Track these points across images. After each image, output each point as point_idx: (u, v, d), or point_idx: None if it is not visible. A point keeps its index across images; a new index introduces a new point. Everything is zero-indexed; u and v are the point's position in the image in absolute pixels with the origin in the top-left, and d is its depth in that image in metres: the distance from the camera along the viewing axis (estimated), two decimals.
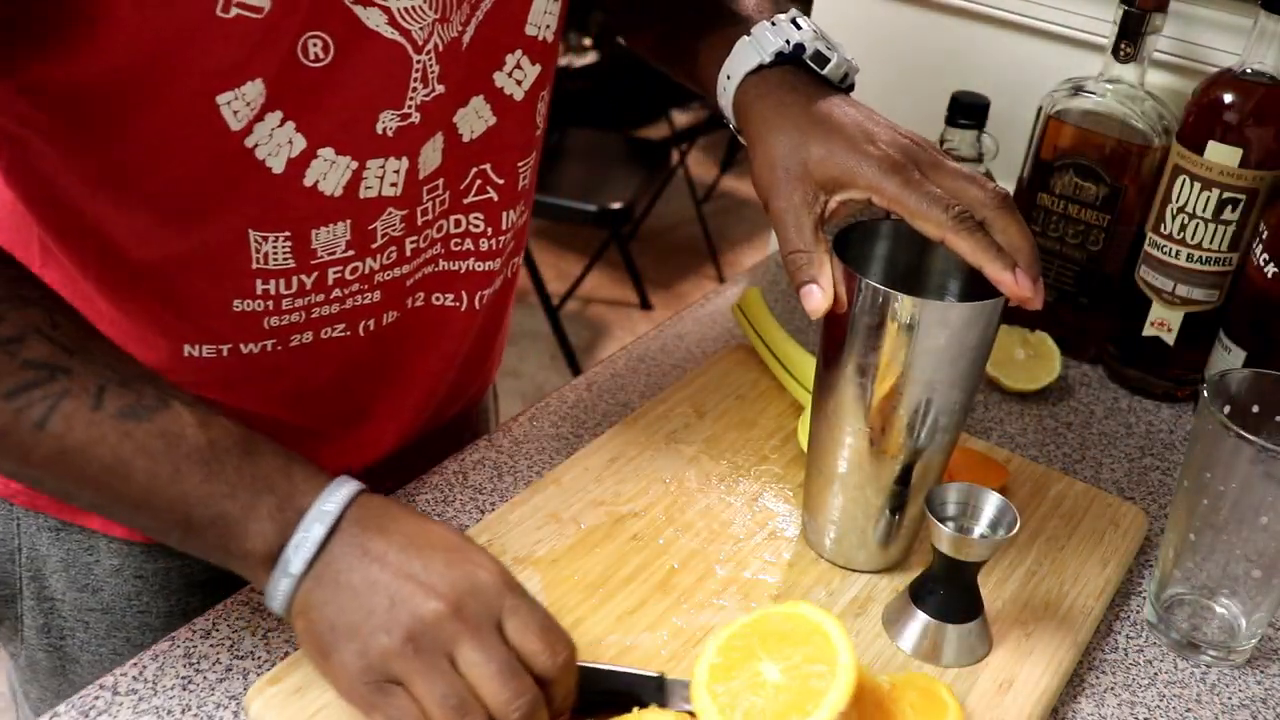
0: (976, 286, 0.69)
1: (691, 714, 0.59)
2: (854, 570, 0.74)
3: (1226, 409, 0.69)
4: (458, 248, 0.77)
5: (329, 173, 0.66)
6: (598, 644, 0.66)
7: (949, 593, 0.68)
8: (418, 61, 0.65)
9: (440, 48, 0.66)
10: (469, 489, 0.79)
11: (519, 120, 0.74)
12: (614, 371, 0.94)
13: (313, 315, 0.72)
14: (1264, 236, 0.89)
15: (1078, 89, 0.97)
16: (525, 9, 0.71)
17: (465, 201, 0.75)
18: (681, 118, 3.97)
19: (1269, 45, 0.87)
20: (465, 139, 0.72)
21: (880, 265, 0.72)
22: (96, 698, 0.62)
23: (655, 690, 0.62)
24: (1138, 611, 0.77)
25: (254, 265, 0.67)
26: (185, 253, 0.66)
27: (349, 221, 0.69)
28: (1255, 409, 0.70)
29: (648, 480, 0.79)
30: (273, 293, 0.69)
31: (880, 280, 0.67)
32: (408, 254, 0.74)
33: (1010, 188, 1.05)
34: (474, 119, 0.72)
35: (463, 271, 0.78)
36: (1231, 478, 0.67)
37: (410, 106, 0.66)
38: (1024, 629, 0.71)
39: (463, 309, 0.80)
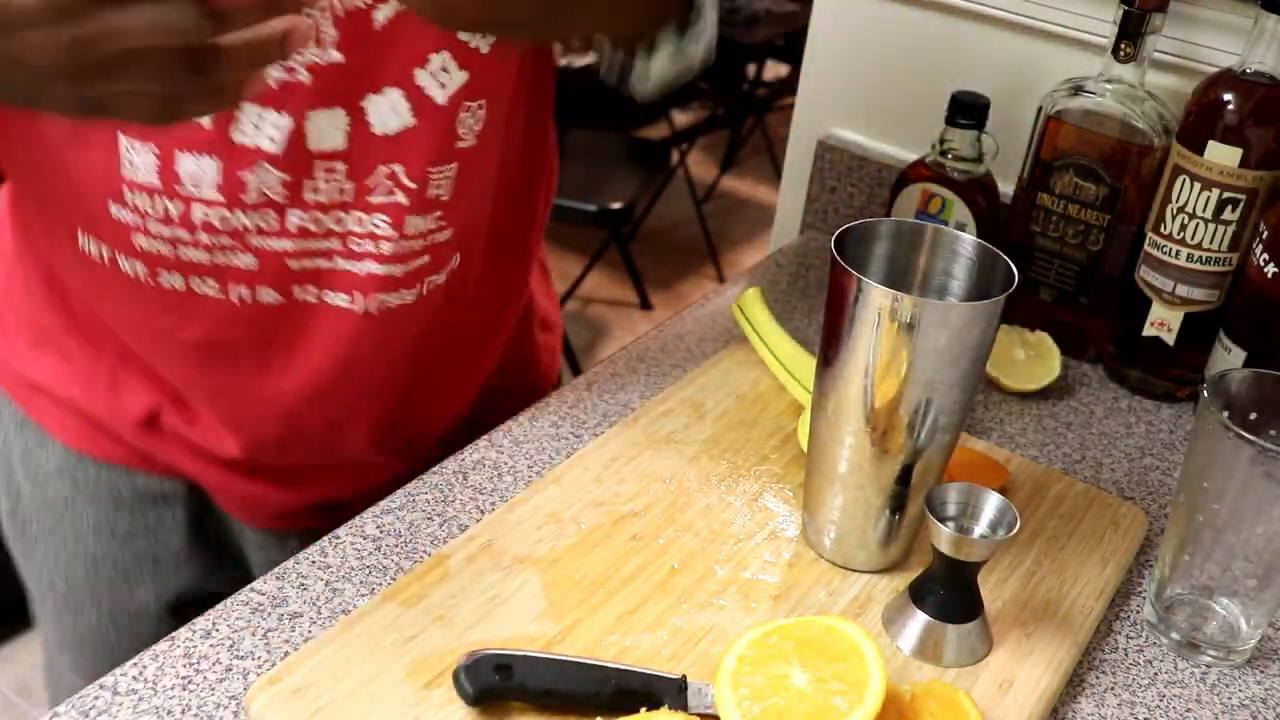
0: (977, 286, 0.69)
1: (704, 718, 0.59)
2: (854, 570, 0.74)
3: (1226, 409, 0.69)
4: (358, 248, 0.76)
5: None
6: (598, 644, 0.66)
7: (949, 593, 0.68)
8: (309, 15, 0.64)
9: (338, 11, 0.66)
10: (469, 489, 0.79)
11: (438, 126, 0.73)
12: (614, 371, 0.94)
13: (180, 255, 0.73)
14: (1264, 236, 0.89)
15: (1078, 89, 0.97)
16: None
17: (370, 200, 0.74)
18: (681, 118, 3.97)
19: (1269, 45, 0.87)
20: (376, 130, 0.72)
21: (880, 265, 0.72)
22: (96, 698, 0.62)
23: (676, 692, 0.62)
24: (1138, 611, 0.77)
25: (122, 172, 0.70)
26: (70, 131, 0.70)
27: (219, 162, 0.69)
28: (1255, 409, 0.70)
29: (648, 480, 0.79)
30: (140, 208, 0.71)
31: (880, 280, 0.67)
32: (291, 229, 0.73)
33: (1010, 188, 1.05)
34: (388, 112, 0.71)
35: (362, 274, 0.77)
36: (1231, 478, 0.67)
37: (296, 62, 0.67)
38: (1024, 629, 0.71)
39: (358, 311, 0.78)
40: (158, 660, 0.64)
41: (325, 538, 0.74)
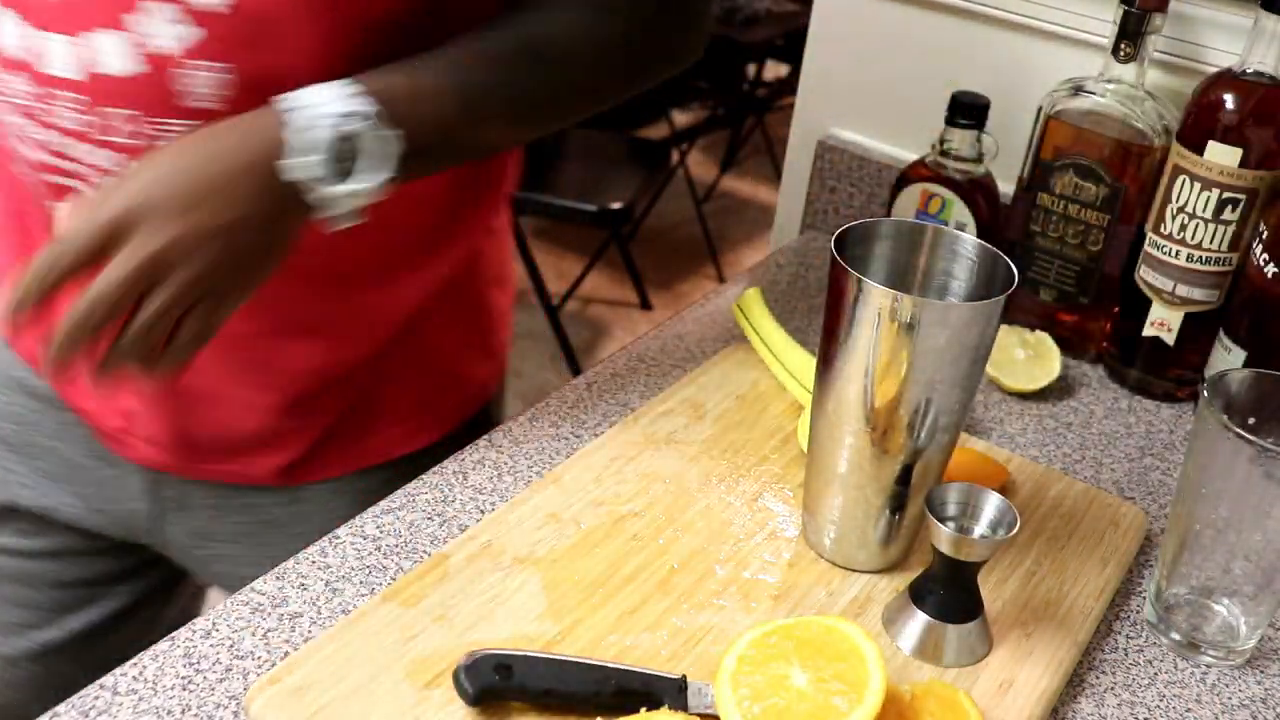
0: (977, 286, 0.69)
1: (704, 718, 0.59)
2: (854, 570, 0.74)
3: (1226, 409, 0.69)
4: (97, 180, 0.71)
5: None
6: (598, 644, 0.66)
7: (949, 593, 0.68)
8: None
9: None
10: (469, 489, 0.79)
11: (160, 78, 0.68)
12: (614, 371, 0.94)
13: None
14: (1264, 236, 0.89)
15: (1078, 89, 0.97)
16: None
17: (98, 137, 0.70)
18: (681, 118, 3.97)
19: (1269, 45, 0.87)
20: (103, 70, 0.68)
21: (880, 265, 0.72)
22: (96, 698, 0.62)
23: (676, 692, 0.62)
24: (1138, 611, 0.77)
25: None
26: None
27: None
28: (1255, 409, 0.70)
29: (648, 480, 0.79)
30: None
31: (880, 280, 0.67)
32: (39, 138, 0.70)
33: (1010, 188, 1.05)
34: (112, 53, 0.67)
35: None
36: (1231, 478, 0.67)
37: None
38: (1024, 629, 0.71)
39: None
40: (158, 660, 0.64)
41: (325, 538, 0.74)
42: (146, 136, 0.69)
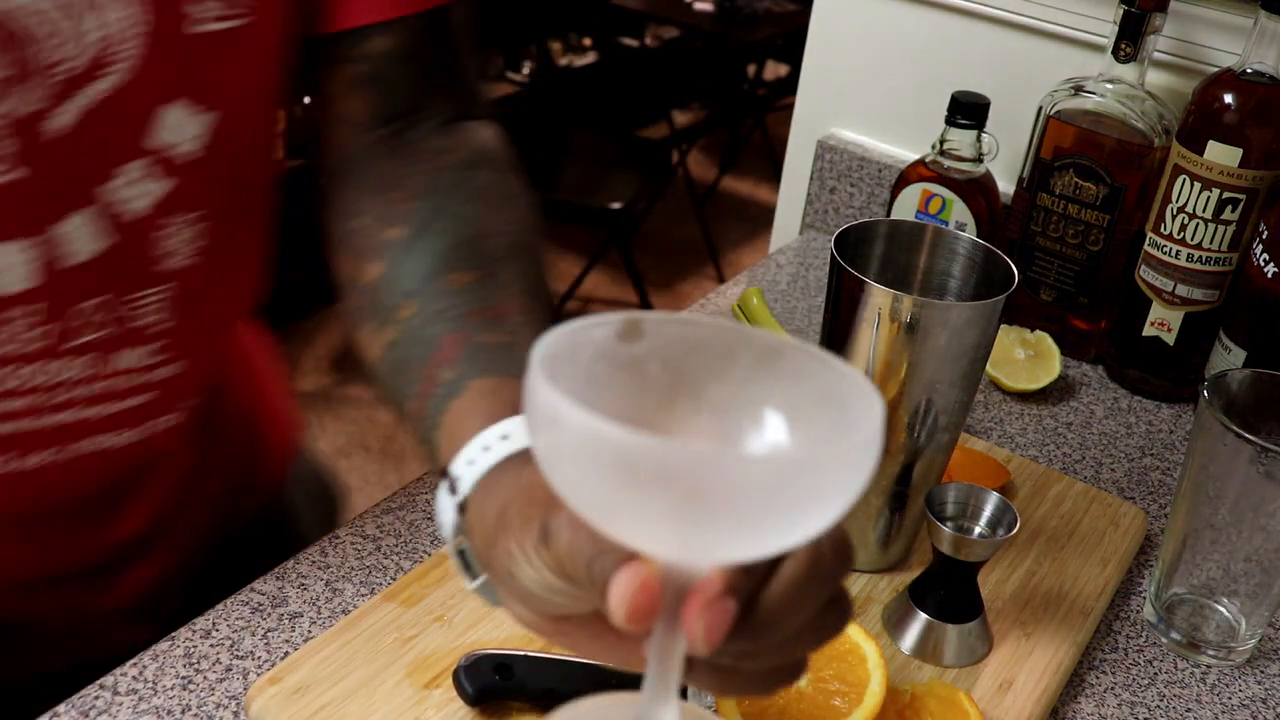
0: (977, 286, 0.69)
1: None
2: (854, 570, 0.74)
3: (1226, 409, 0.69)
4: (54, 400, 0.62)
5: None
6: None
7: (949, 593, 0.68)
8: None
9: (15, 118, 0.54)
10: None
11: (135, 246, 0.61)
12: None
13: None
14: (1264, 236, 0.89)
15: (1078, 89, 0.97)
16: (153, 112, 0.58)
17: (65, 346, 0.60)
18: (681, 118, 3.97)
19: (1269, 45, 0.87)
20: (69, 261, 0.58)
21: (880, 265, 0.72)
22: (96, 698, 0.62)
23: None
24: (1138, 611, 0.77)
25: None
26: None
27: None
28: (1255, 409, 0.70)
29: None
30: None
31: (880, 280, 0.67)
32: None
33: (1010, 188, 1.05)
34: (84, 237, 0.58)
35: (54, 426, 0.62)
36: (1231, 477, 0.67)
37: None
38: (1024, 629, 0.71)
39: (60, 462, 0.64)
40: (158, 660, 0.64)
41: (325, 538, 0.74)
42: (118, 321, 0.62)
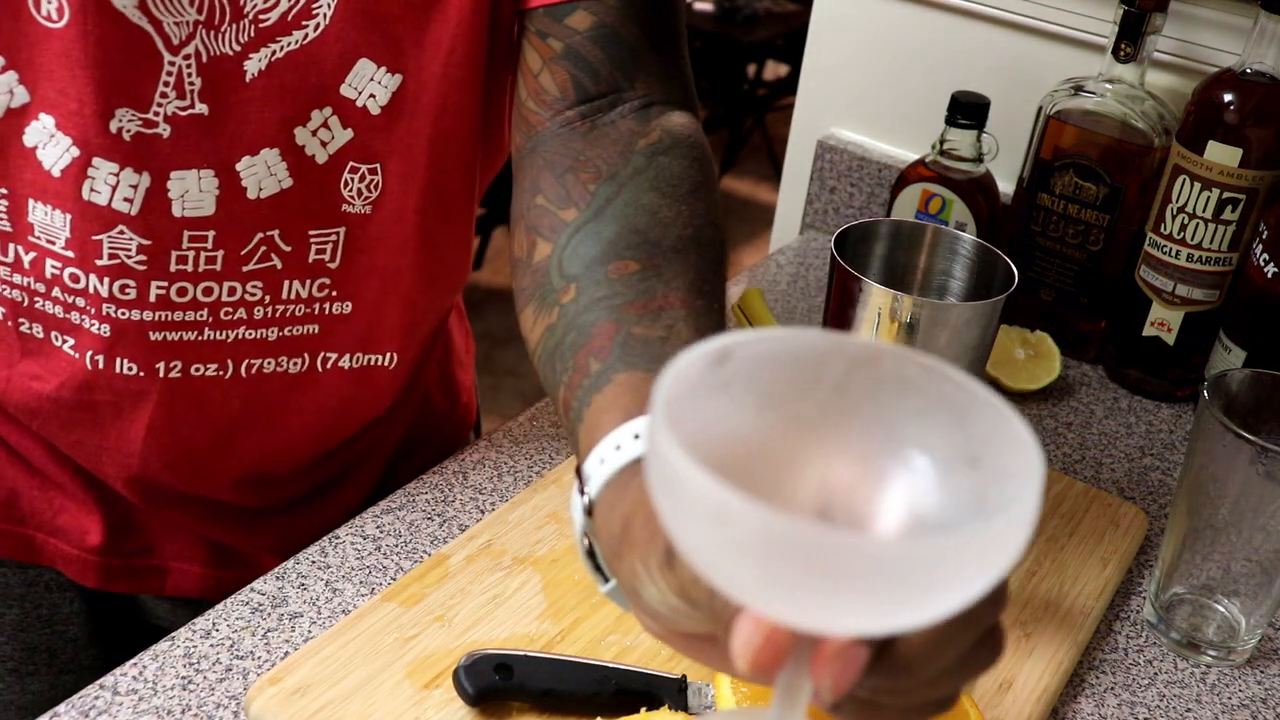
0: (977, 286, 0.69)
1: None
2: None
3: (1226, 409, 0.69)
4: (228, 316, 0.68)
5: (48, 145, 0.61)
6: (598, 644, 0.66)
7: None
8: (170, 63, 0.60)
9: (204, 59, 0.60)
10: (469, 489, 0.79)
11: (318, 187, 0.66)
12: None
13: (35, 305, 0.67)
14: (1264, 236, 0.89)
15: (1078, 89, 0.97)
16: (343, 66, 0.63)
17: (245, 269, 0.67)
18: None
19: (1269, 45, 0.87)
20: (250, 195, 0.65)
21: (880, 265, 0.72)
22: (96, 698, 0.62)
23: (676, 692, 0.62)
24: (1138, 611, 0.77)
25: None
26: None
27: (69, 216, 0.63)
28: (1255, 409, 0.70)
29: None
30: None
31: (880, 280, 0.67)
32: (151, 298, 0.66)
33: (1010, 188, 1.05)
34: (264, 174, 0.64)
35: (229, 340, 0.69)
36: (1231, 477, 0.67)
37: (157, 114, 0.61)
38: (1024, 629, 0.71)
39: (227, 376, 0.71)
40: (158, 660, 0.64)
41: (325, 537, 0.74)
42: (287, 255, 0.67)
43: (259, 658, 0.65)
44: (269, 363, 0.71)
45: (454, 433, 0.91)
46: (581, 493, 0.47)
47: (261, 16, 0.60)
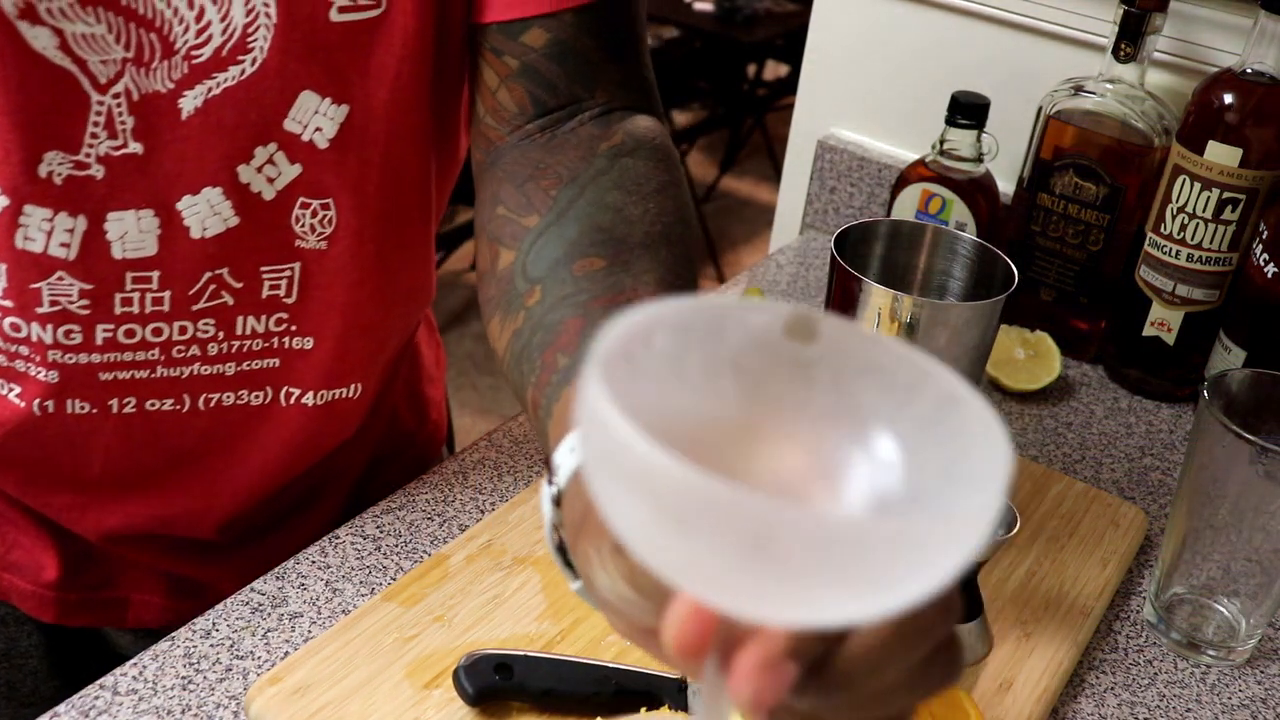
0: (977, 286, 0.69)
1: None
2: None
3: (1226, 409, 0.69)
4: (180, 354, 0.67)
5: None
6: (598, 644, 0.66)
7: None
8: (99, 103, 0.58)
9: (135, 97, 0.58)
10: (469, 489, 0.79)
11: (267, 224, 0.64)
12: None
13: None
14: (1264, 236, 0.89)
15: (1078, 89, 0.97)
16: (285, 100, 0.61)
17: (194, 308, 0.65)
18: (681, 118, 3.97)
19: (1269, 45, 0.87)
20: (195, 234, 0.63)
21: (880, 265, 0.72)
22: (96, 698, 0.62)
23: (676, 692, 0.62)
24: (1138, 611, 0.77)
25: None
26: None
27: (4, 266, 0.61)
28: (1255, 409, 0.70)
29: None
30: None
31: (880, 280, 0.67)
32: (98, 341, 0.64)
33: (1010, 188, 1.05)
34: (207, 213, 0.62)
35: (184, 376, 0.68)
36: (1231, 477, 0.67)
37: (89, 156, 0.59)
38: (1024, 629, 0.71)
39: (184, 410, 0.69)
40: (158, 660, 0.64)
41: (325, 537, 0.74)
42: (240, 292, 0.65)
43: (259, 658, 0.65)
44: (228, 396, 0.70)
45: (424, 450, 0.89)
46: (550, 483, 0.46)
47: (194, 52, 0.58)
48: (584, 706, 0.61)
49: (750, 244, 3.69)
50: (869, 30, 1.16)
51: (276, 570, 0.71)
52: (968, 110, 0.99)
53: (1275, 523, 0.67)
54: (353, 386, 0.74)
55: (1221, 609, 0.73)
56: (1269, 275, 0.88)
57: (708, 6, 3.46)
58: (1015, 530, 0.65)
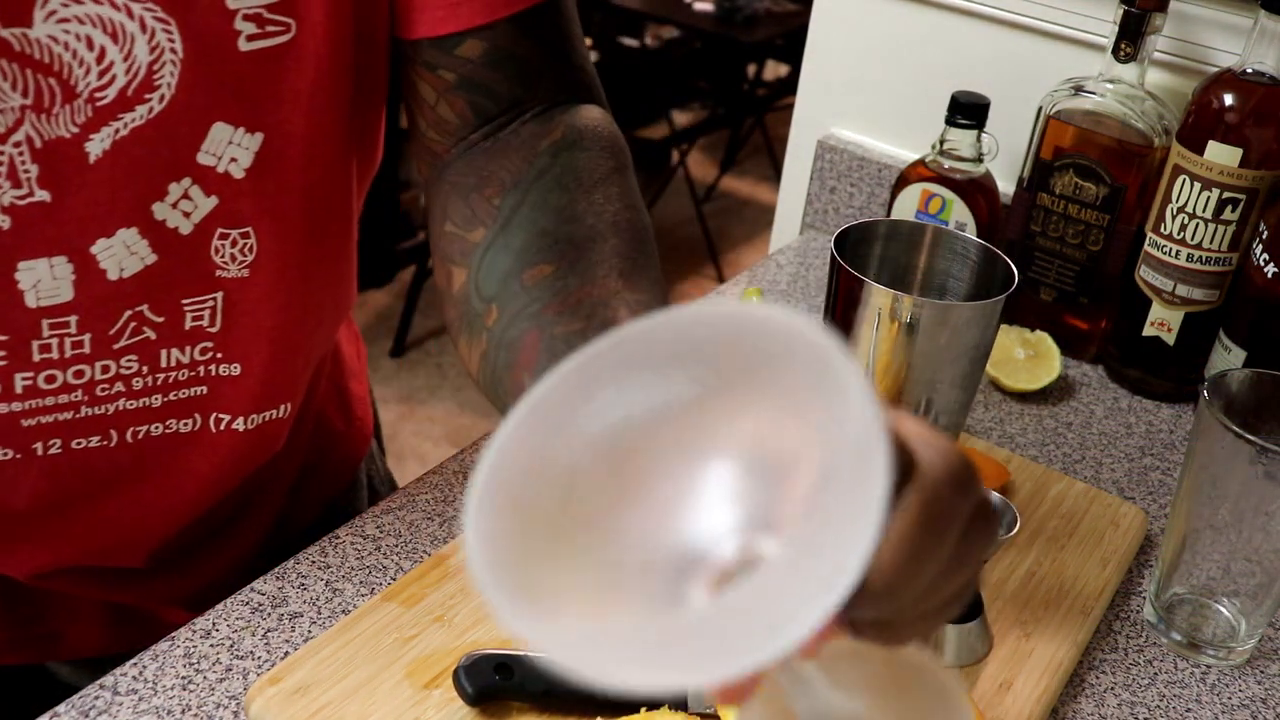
0: (977, 286, 0.69)
1: (703, 716, 0.59)
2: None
3: (1226, 409, 0.69)
4: (104, 392, 0.64)
5: None
6: None
7: None
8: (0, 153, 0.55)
9: (37, 144, 0.55)
10: (469, 488, 0.79)
11: (186, 258, 0.62)
12: None
13: None
14: (1264, 236, 0.89)
15: (1078, 89, 0.97)
16: (197, 134, 0.59)
17: (116, 346, 0.63)
18: (681, 118, 3.97)
19: (1269, 45, 0.87)
20: (112, 276, 0.60)
21: (880, 265, 0.72)
22: (96, 698, 0.62)
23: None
24: (1138, 611, 0.77)
25: None
26: None
27: None
28: (1255, 409, 0.70)
29: None
30: None
31: (880, 280, 0.67)
32: (18, 390, 0.62)
33: (1010, 188, 1.05)
34: (124, 254, 0.60)
35: (110, 413, 0.65)
36: (1231, 477, 0.67)
37: None
38: (1024, 629, 0.71)
39: (112, 445, 0.67)
40: (158, 660, 0.64)
41: (325, 538, 0.74)
42: (162, 326, 0.64)
43: (259, 658, 0.65)
44: (156, 427, 0.68)
45: (352, 448, 0.88)
46: None
47: (98, 95, 0.56)
48: (584, 706, 0.61)
49: (750, 244, 3.69)
50: (869, 30, 1.16)
51: (276, 570, 0.71)
52: (968, 110, 0.99)
53: (1275, 523, 0.67)
54: (283, 407, 0.72)
55: (1221, 609, 0.73)
56: (1269, 275, 0.88)
57: (708, 6, 3.46)
58: (1015, 530, 0.65)
